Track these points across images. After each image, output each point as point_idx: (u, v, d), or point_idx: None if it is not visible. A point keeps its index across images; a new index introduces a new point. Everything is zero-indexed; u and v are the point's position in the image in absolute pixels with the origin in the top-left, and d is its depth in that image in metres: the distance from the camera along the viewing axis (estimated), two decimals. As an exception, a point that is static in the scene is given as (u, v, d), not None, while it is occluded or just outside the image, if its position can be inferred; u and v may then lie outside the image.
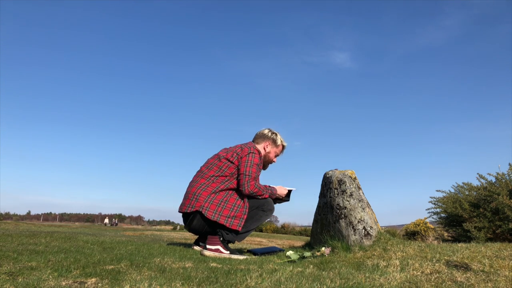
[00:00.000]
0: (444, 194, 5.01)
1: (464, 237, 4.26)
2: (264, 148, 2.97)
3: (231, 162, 2.71)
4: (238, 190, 2.74)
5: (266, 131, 3.01)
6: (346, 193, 2.64)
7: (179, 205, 2.78)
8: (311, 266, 2.02)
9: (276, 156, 3.05)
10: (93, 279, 1.37)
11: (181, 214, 2.78)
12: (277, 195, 2.89)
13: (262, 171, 3.02)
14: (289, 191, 3.04)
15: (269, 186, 2.86)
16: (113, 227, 17.14)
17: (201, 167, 2.83)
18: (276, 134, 3.01)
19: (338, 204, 2.65)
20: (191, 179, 2.85)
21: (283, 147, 3.06)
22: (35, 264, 1.59)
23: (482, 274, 1.65)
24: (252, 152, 2.74)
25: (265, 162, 3.01)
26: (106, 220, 47.56)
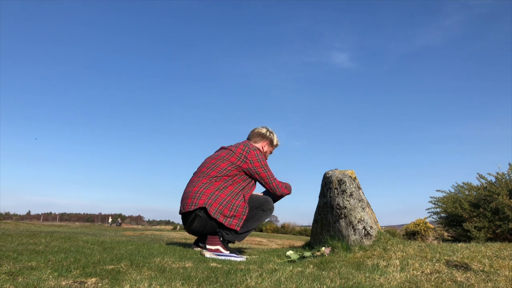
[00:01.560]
0: (444, 194, 5.01)
1: (464, 237, 4.26)
2: (262, 148, 2.98)
3: (237, 165, 2.70)
4: (239, 190, 2.72)
5: (263, 131, 3.00)
6: (346, 193, 2.64)
7: (179, 208, 2.74)
8: (311, 266, 2.02)
9: (269, 154, 3.11)
10: (93, 279, 1.37)
11: (180, 215, 2.74)
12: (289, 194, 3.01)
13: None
14: None
15: (285, 183, 2.97)
16: (115, 227, 17.04)
17: (200, 168, 2.79)
18: (273, 134, 3.05)
19: (338, 204, 2.65)
20: (189, 180, 2.82)
21: (277, 146, 3.13)
22: (35, 264, 1.59)
23: (482, 274, 1.65)
24: (261, 155, 2.81)
25: None
26: (110, 220, 47.28)
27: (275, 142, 3.05)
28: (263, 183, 2.81)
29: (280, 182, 2.88)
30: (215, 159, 2.77)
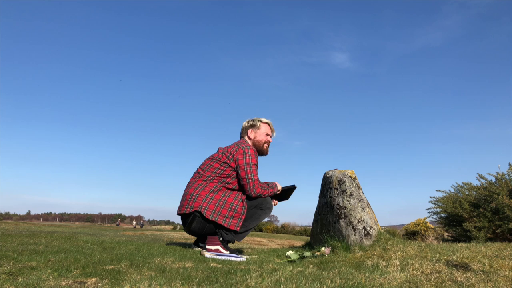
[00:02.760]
0: (444, 194, 5.01)
1: (464, 237, 4.26)
2: (250, 138, 2.93)
3: (227, 164, 2.68)
4: (236, 190, 2.73)
5: (244, 124, 3.00)
6: (346, 193, 2.64)
7: (177, 208, 2.77)
8: (311, 266, 2.02)
9: (267, 135, 2.98)
10: (93, 279, 1.37)
11: (179, 216, 2.76)
12: (276, 192, 2.84)
13: (265, 157, 3.01)
14: (290, 189, 2.96)
15: (269, 183, 2.82)
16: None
17: (198, 169, 2.80)
18: (253, 120, 2.99)
19: (338, 204, 2.65)
20: (188, 180, 2.83)
21: (267, 124, 3.00)
22: (35, 264, 1.59)
23: (482, 274, 1.65)
24: (248, 153, 2.71)
25: (260, 148, 2.94)
26: (134, 222, 46.42)
27: (258, 124, 2.95)
28: (242, 183, 2.68)
29: (262, 185, 2.71)
30: (210, 159, 2.78)
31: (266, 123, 3.00)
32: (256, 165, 2.75)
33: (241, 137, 3.00)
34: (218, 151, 2.85)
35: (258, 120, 2.99)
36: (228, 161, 2.69)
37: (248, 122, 3.00)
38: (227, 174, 2.69)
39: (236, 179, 2.73)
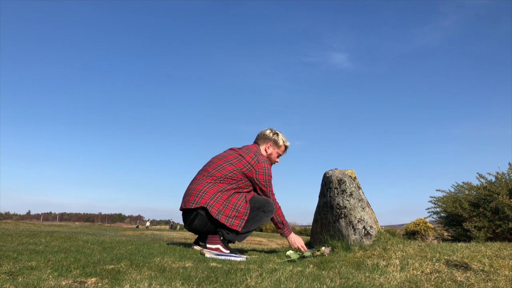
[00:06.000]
0: (444, 194, 5.02)
1: (464, 236, 4.26)
2: (266, 150, 2.94)
3: (242, 172, 2.71)
4: (240, 192, 2.73)
5: (267, 132, 2.97)
6: (346, 192, 2.64)
7: (180, 203, 2.74)
8: (311, 266, 2.02)
9: (279, 156, 3.03)
10: (93, 279, 1.36)
11: (181, 212, 2.75)
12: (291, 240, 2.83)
13: None
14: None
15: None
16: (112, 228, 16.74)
17: (206, 167, 2.78)
18: (277, 135, 2.97)
19: (338, 204, 2.65)
20: (193, 178, 2.81)
21: (286, 147, 3.03)
22: (35, 263, 1.59)
23: (482, 274, 1.65)
24: (267, 168, 2.77)
25: None
26: (148, 224, 43.78)
27: (280, 143, 2.97)
28: (261, 192, 2.80)
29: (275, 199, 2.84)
30: (222, 160, 2.75)
31: (286, 146, 3.04)
32: (272, 177, 2.84)
33: (258, 143, 2.98)
34: (231, 153, 2.81)
35: (282, 139, 3.00)
36: (244, 170, 2.71)
37: (272, 133, 2.99)
38: (239, 178, 2.70)
39: (244, 184, 2.75)
